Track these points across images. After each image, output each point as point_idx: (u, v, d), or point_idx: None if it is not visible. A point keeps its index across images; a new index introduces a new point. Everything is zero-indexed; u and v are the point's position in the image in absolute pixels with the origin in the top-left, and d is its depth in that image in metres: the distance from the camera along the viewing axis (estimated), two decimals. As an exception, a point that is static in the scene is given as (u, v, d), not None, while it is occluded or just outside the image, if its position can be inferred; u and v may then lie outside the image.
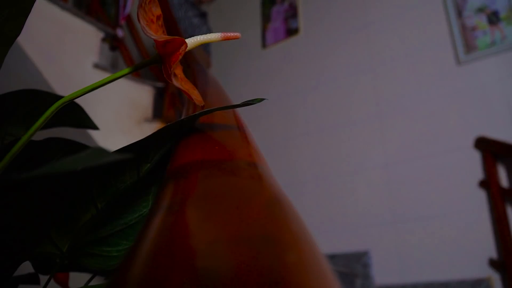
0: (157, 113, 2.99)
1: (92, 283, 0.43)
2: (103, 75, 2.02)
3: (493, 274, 2.07)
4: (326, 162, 2.74)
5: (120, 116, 2.07)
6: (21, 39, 1.64)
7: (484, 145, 2.24)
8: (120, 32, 2.45)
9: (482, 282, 2.03)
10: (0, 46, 0.33)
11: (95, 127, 0.41)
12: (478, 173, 2.26)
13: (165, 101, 2.45)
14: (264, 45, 3.37)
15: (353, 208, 2.58)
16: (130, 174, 0.34)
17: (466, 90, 2.42)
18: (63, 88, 1.76)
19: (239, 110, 0.49)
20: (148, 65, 0.37)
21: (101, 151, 0.25)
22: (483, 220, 2.18)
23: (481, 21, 2.49)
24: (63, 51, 1.87)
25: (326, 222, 2.62)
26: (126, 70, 0.35)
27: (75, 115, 0.39)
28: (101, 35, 2.13)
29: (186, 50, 0.33)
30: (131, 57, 2.53)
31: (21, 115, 0.36)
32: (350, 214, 2.58)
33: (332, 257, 2.43)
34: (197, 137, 0.32)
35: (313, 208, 2.65)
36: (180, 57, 0.33)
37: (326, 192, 2.63)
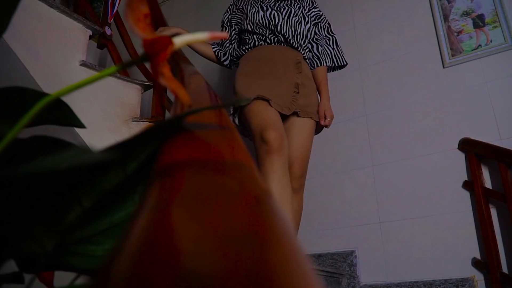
0: (145, 112, 2.97)
1: (77, 282, 0.43)
2: (90, 73, 2.00)
3: (476, 274, 2.10)
4: (313, 162, 2.75)
5: (108, 114, 2.06)
6: (7, 36, 1.62)
7: (468, 147, 2.27)
8: (108, 30, 2.43)
9: (465, 282, 2.06)
10: (-15, 42, 0.33)
11: (82, 126, 0.40)
12: (462, 174, 2.29)
13: (153, 100, 2.44)
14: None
15: (340, 208, 2.60)
16: (116, 173, 0.34)
17: (451, 92, 2.46)
18: (50, 85, 1.74)
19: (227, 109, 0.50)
20: (135, 64, 0.37)
21: (87, 150, 0.25)
22: (467, 220, 2.21)
23: (467, 24, 2.53)
24: (50, 49, 1.85)
25: (313, 222, 2.63)
26: (113, 68, 0.35)
27: (61, 113, 0.39)
28: (89, 33, 2.11)
29: (174, 49, 0.33)
30: (119, 56, 2.52)
31: (6, 112, 0.36)
32: (336, 214, 2.60)
33: (319, 257, 2.44)
34: (184, 136, 0.32)
35: (300, 208, 2.66)
36: (168, 56, 0.33)
37: (313, 192, 2.64)
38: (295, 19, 1.97)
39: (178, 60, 1.32)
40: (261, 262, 0.16)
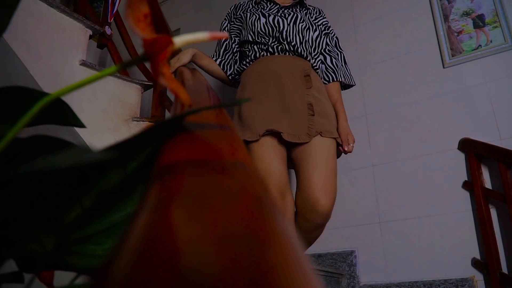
0: (145, 112, 2.97)
1: (77, 282, 0.43)
2: (90, 73, 2.00)
3: (476, 274, 2.10)
4: (314, 162, 2.75)
5: (108, 114, 2.06)
6: (7, 35, 1.62)
7: (468, 147, 2.27)
8: (108, 30, 2.43)
9: (465, 282, 2.06)
10: (-15, 42, 0.33)
11: (82, 125, 0.40)
12: (462, 174, 2.29)
13: (153, 100, 2.44)
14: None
15: (340, 208, 2.60)
16: (116, 172, 0.34)
17: (451, 92, 2.46)
18: (50, 85, 1.74)
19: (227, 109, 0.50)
20: (135, 63, 0.37)
21: (87, 150, 0.25)
22: (467, 220, 2.21)
23: (467, 24, 2.53)
24: (50, 48, 1.85)
25: (313, 222, 2.63)
26: (113, 68, 0.35)
27: (61, 113, 0.39)
28: (89, 32, 2.11)
29: (174, 48, 0.33)
30: (119, 55, 2.51)
31: (6, 112, 0.36)
32: (336, 214, 2.59)
33: (319, 257, 2.44)
34: (184, 136, 0.32)
35: (300, 208, 2.66)
36: (168, 55, 0.33)
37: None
38: (302, 25, 1.75)
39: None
40: (261, 262, 0.16)
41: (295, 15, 1.77)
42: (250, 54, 1.77)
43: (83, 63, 1.98)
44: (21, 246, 0.36)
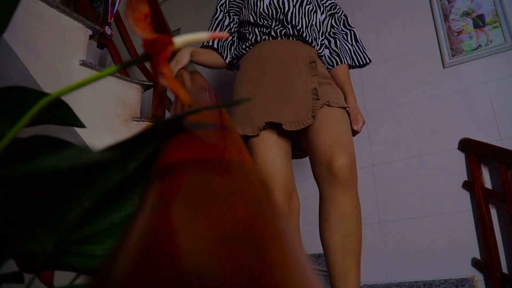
0: (145, 111, 2.97)
1: (77, 282, 0.43)
2: (90, 73, 2.00)
3: (476, 274, 2.10)
4: (314, 162, 2.76)
5: (108, 114, 2.06)
6: (7, 35, 1.62)
7: (468, 147, 2.27)
8: (108, 30, 2.43)
9: (465, 282, 2.05)
10: (-15, 42, 0.33)
11: (81, 125, 0.40)
12: (462, 174, 2.29)
13: (153, 100, 2.44)
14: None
15: (340, 208, 2.60)
16: (116, 172, 0.34)
17: (451, 93, 2.46)
18: (50, 85, 1.74)
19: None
20: (135, 63, 0.37)
21: (87, 150, 0.25)
22: (467, 220, 2.21)
23: (467, 24, 2.53)
24: (50, 48, 1.85)
25: (313, 222, 2.63)
26: (113, 68, 0.35)
27: (61, 113, 0.39)
28: (89, 32, 2.11)
29: (174, 48, 0.33)
30: (119, 55, 2.52)
31: (6, 112, 0.36)
32: (337, 214, 2.60)
33: (319, 257, 2.44)
34: (184, 136, 0.32)
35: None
36: (168, 55, 0.33)
37: (312, 192, 2.64)
38: (308, 7, 1.61)
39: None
40: (261, 262, 0.16)
41: None
42: (250, 37, 1.62)
43: (83, 63, 1.98)
44: (21, 246, 0.36)
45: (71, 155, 0.24)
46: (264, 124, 1.43)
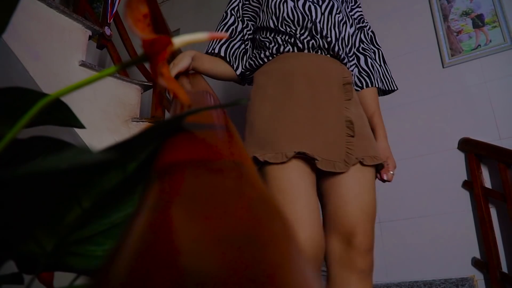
0: (145, 112, 2.97)
1: (77, 282, 0.43)
2: (89, 74, 2.00)
3: (476, 274, 2.10)
4: (314, 162, 2.75)
5: (107, 115, 2.06)
6: (7, 36, 1.62)
7: (468, 146, 2.27)
8: (107, 30, 2.43)
9: (465, 282, 2.06)
10: (-15, 43, 0.33)
11: (81, 126, 0.40)
12: (462, 174, 2.29)
13: (153, 100, 2.44)
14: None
15: (340, 208, 2.60)
16: (116, 173, 0.34)
17: (451, 92, 2.46)
18: (49, 86, 1.74)
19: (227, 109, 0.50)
20: (135, 64, 0.37)
21: (87, 150, 0.25)
22: (467, 220, 2.21)
23: (466, 24, 2.53)
24: (49, 49, 1.85)
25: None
26: (113, 68, 0.35)
27: (61, 113, 0.39)
28: (88, 33, 2.11)
29: (173, 49, 0.33)
30: (119, 56, 2.52)
31: (6, 112, 0.36)
32: (337, 214, 2.60)
33: None
34: (183, 136, 0.32)
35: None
36: (167, 56, 0.33)
37: (314, 192, 2.64)
38: (338, 17, 1.34)
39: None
40: (260, 262, 0.16)
41: (331, 2, 1.34)
42: (270, 46, 1.33)
43: (83, 64, 1.98)
44: (21, 247, 0.36)
45: (70, 155, 0.24)
46: (294, 153, 1.13)
